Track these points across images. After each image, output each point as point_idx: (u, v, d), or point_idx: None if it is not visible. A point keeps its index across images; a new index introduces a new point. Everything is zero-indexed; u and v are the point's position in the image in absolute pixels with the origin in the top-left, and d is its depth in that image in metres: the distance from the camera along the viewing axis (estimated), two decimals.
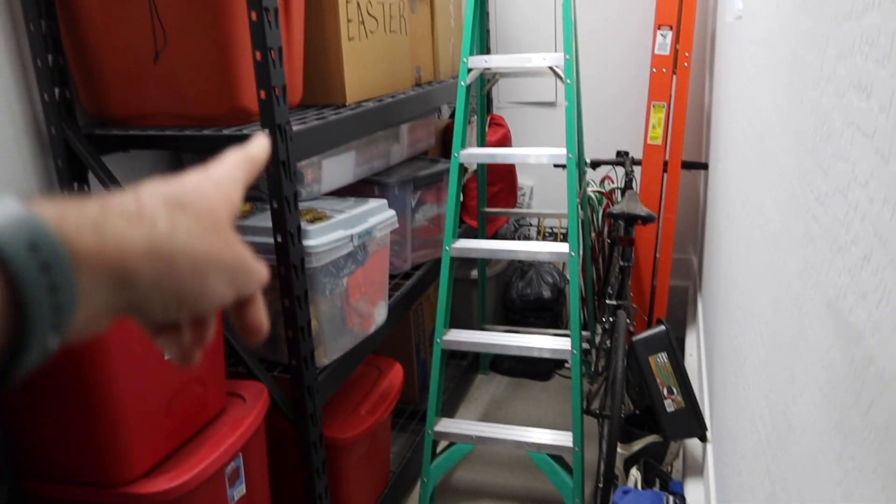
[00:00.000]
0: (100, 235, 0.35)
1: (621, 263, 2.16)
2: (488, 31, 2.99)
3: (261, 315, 0.47)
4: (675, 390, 1.80)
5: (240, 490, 1.40)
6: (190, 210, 0.40)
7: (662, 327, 1.82)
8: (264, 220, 1.59)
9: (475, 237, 2.72)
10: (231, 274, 0.42)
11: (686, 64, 2.45)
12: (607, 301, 2.24)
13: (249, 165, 0.48)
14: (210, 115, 1.51)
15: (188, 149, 1.53)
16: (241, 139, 1.45)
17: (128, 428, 1.19)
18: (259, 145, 0.50)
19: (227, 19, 1.39)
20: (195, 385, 1.34)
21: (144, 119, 1.58)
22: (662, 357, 1.80)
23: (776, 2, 1.02)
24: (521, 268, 3.03)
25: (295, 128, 1.45)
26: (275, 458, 1.66)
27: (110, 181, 1.55)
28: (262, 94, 1.33)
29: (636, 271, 2.72)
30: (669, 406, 1.79)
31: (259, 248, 1.54)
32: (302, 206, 1.70)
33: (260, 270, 0.45)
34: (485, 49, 2.59)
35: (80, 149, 1.54)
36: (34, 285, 0.31)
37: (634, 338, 1.83)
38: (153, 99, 1.53)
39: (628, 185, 2.55)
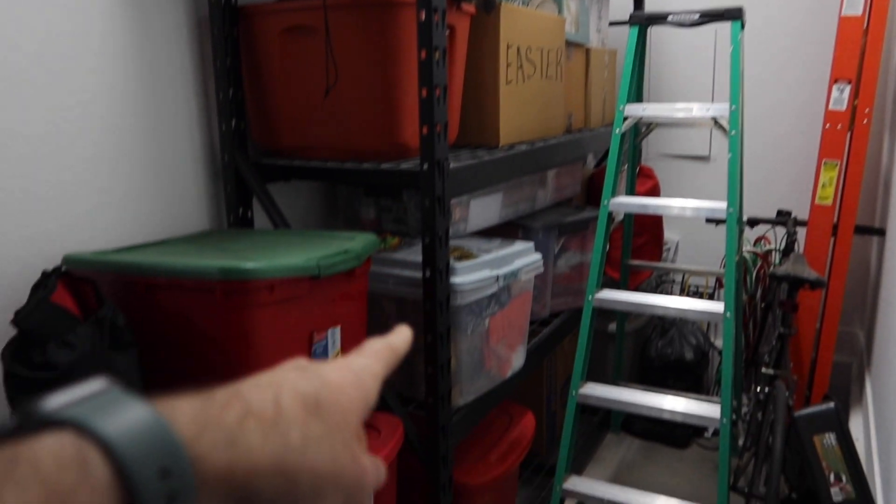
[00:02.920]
0: (233, 452, 0.34)
1: (781, 330, 1.98)
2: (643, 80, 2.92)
3: None
4: (843, 477, 1.60)
5: None
6: (325, 415, 0.39)
7: (832, 405, 1.64)
8: (412, 254, 1.60)
9: (615, 289, 2.61)
10: (347, 492, 0.40)
11: (865, 121, 2.26)
12: (763, 370, 2.06)
13: (391, 357, 0.47)
14: (371, 150, 1.55)
15: (347, 181, 1.58)
16: (399, 175, 1.48)
17: None
18: (402, 336, 0.48)
19: (396, 59, 1.43)
20: None
21: (308, 151, 1.65)
22: (830, 438, 1.61)
23: None
24: (661, 325, 2.87)
25: (451, 165, 1.46)
26: (401, 495, 1.63)
27: (272, 207, 1.63)
28: (425, 129, 1.35)
29: (793, 342, 2.49)
30: (836, 495, 1.59)
31: (405, 282, 1.55)
32: (449, 243, 1.69)
33: (372, 480, 0.42)
34: (640, 98, 2.52)
35: (249, 176, 1.63)
36: None
37: (797, 413, 1.66)
38: (318, 132, 1.60)
39: (790, 248, 2.36)
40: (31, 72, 1.27)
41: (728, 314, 1.82)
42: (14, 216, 1.25)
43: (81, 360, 1.02)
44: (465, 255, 1.60)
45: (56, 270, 1.09)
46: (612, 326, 2.73)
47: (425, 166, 1.38)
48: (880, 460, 1.92)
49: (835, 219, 2.38)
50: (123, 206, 1.47)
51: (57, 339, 1.00)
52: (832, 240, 2.40)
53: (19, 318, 0.99)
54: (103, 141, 1.42)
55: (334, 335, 1.30)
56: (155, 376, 1.22)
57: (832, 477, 1.60)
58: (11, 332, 1.17)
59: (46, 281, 1.06)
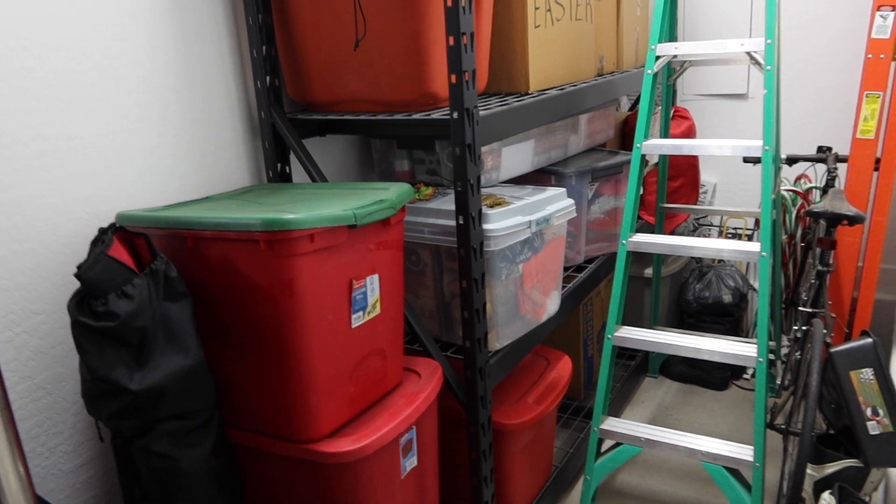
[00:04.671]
0: None
1: (819, 268, 1.96)
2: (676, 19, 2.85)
3: None
4: (881, 412, 1.61)
5: (412, 462, 1.45)
6: None
7: (869, 340, 1.64)
8: (446, 203, 1.64)
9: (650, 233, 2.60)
10: None
11: None
12: (801, 308, 2.05)
13: None
14: (401, 101, 1.57)
15: (380, 132, 1.60)
16: (430, 124, 1.50)
17: (317, 389, 1.27)
18: None
19: (422, 7, 1.43)
20: (377, 357, 1.41)
21: (341, 105, 1.68)
22: (867, 374, 1.62)
23: None
24: (699, 269, 2.87)
25: (481, 113, 1.48)
26: (442, 438, 1.70)
27: (309, 162, 1.67)
28: (453, 78, 1.36)
29: (834, 280, 2.47)
30: (873, 428, 1.61)
31: (440, 231, 1.59)
32: (482, 191, 1.72)
33: None
34: (673, 37, 2.48)
35: (285, 132, 1.68)
36: None
37: (834, 349, 1.66)
38: (350, 86, 1.63)
39: (830, 184, 2.32)
40: (74, 40, 1.32)
41: (764, 253, 1.82)
42: (69, 177, 1.32)
43: (139, 310, 1.09)
44: (498, 203, 1.62)
45: (112, 227, 1.15)
46: (649, 271, 2.74)
47: (455, 115, 1.40)
48: None
49: (877, 153, 2.33)
50: (168, 166, 1.53)
51: (117, 290, 1.07)
52: (875, 175, 2.35)
53: (81, 272, 1.06)
54: (144, 102, 1.47)
55: (373, 282, 1.35)
56: (206, 325, 1.30)
57: (869, 411, 1.61)
58: (76, 285, 1.25)
59: (103, 236, 1.13)
